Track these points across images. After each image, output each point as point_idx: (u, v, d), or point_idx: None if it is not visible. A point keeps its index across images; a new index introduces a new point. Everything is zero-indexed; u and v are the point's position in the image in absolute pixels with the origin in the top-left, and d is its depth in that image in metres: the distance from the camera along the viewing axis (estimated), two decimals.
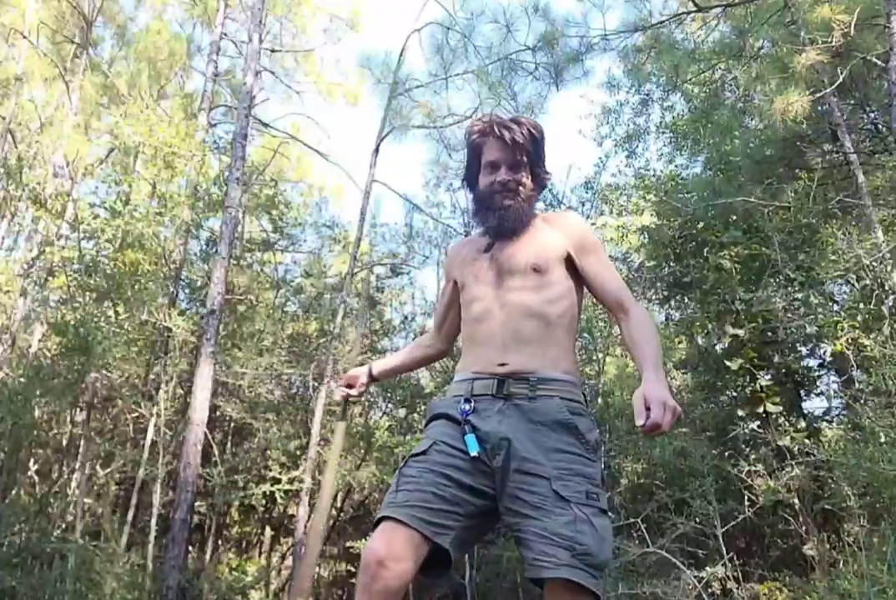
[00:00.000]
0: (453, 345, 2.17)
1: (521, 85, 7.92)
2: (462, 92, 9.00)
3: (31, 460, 8.67)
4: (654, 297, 8.60)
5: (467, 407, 1.69)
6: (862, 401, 5.71)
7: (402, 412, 10.23)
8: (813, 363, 7.46)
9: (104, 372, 8.36)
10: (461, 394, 1.75)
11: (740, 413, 6.40)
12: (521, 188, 1.86)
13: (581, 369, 8.28)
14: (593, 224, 9.87)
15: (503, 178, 1.85)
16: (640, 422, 1.49)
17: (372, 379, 2.19)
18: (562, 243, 1.83)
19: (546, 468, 1.58)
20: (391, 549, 1.52)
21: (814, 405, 7.85)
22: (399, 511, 1.56)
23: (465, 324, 1.87)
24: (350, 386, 2.20)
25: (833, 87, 5.95)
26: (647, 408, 1.49)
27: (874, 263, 5.69)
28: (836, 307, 6.65)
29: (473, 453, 1.61)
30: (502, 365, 1.71)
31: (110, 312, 8.56)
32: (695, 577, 5.31)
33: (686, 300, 7.64)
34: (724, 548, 5.35)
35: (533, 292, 1.76)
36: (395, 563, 1.50)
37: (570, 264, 1.83)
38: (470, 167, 1.95)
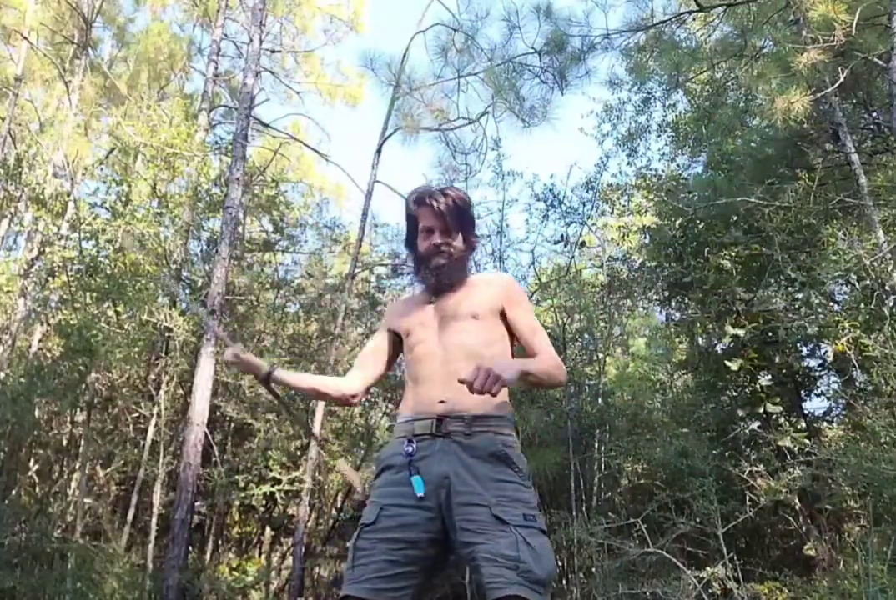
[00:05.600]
0: (363, 395, 2.17)
1: (528, 88, 7.87)
2: (466, 93, 8.97)
3: (31, 460, 8.67)
4: (654, 298, 8.59)
5: (410, 449, 1.86)
6: (862, 401, 5.70)
7: None
8: (814, 363, 7.44)
9: (105, 372, 8.36)
10: (404, 435, 1.92)
11: (741, 413, 6.39)
12: (452, 250, 2.09)
13: (581, 369, 8.30)
14: (594, 224, 9.88)
15: (437, 241, 2.09)
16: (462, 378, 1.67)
17: (266, 376, 2.01)
18: (496, 298, 2.07)
19: (485, 496, 1.76)
20: None
21: (814, 405, 7.84)
22: (358, 587, 1.77)
23: (409, 365, 2.06)
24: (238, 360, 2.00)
25: (835, 86, 5.94)
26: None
27: (875, 263, 5.68)
28: (836, 307, 6.63)
29: (420, 493, 1.79)
30: (441, 402, 1.89)
31: (111, 312, 8.56)
32: (695, 577, 5.30)
33: (686, 300, 7.62)
34: (724, 549, 5.34)
35: (471, 335, 1.98)
36: None
37: (503, 317, 2.08)
38: (410, 232, 2.20)
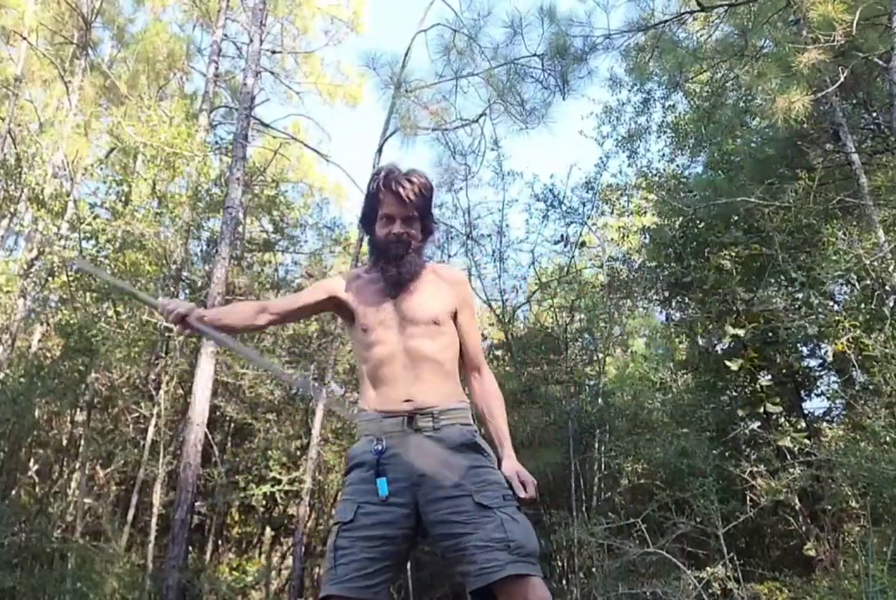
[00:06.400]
0: (268, 326, 2.19)
1: (531, 91, 7.82)
2: (467, 94, 8.93)
3: (31, 460, 8.67)
4: (654, 298, 8.58)
5: (379, 447, 1.92)
6: (862, 401, 5.70)
7: None
8: (814, 363, 7.44)
9: (105, 372, 8.37)
10: (372, 433, 1.97)
11: (741, 413, 6.38)
12: (412, 241, 2.09)
13: (581, 369, 8.30)
14: (594, 224, 9.88)
15: (398, 231, 2.07)
16: (523, 495, 1.89)
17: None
18: (452, 300, 2.12)
19: (465, 486, 1.83)
20: None
21: (814, 405, 7.82)
22: (341, 586, 1.80)
23: (368, 363, 2.05)
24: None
25: (835, 86, 5.93)
26: (522, 483, 1.91)
27: (875, 263, 5.68)
28: (836, 307, 6.63)
29: (383, 495, 1.85)
30: (407, 400, 1.95)
31: (111, 312, 8.56)
32: (695, 577, 5.30)
33: (687, 300, 7.62)
34: (724, 548, 5.34)
35: (430, 340, 2.03)
36: None
37: (454, 316, 2.13)
38: (367, 214, 2.15)
